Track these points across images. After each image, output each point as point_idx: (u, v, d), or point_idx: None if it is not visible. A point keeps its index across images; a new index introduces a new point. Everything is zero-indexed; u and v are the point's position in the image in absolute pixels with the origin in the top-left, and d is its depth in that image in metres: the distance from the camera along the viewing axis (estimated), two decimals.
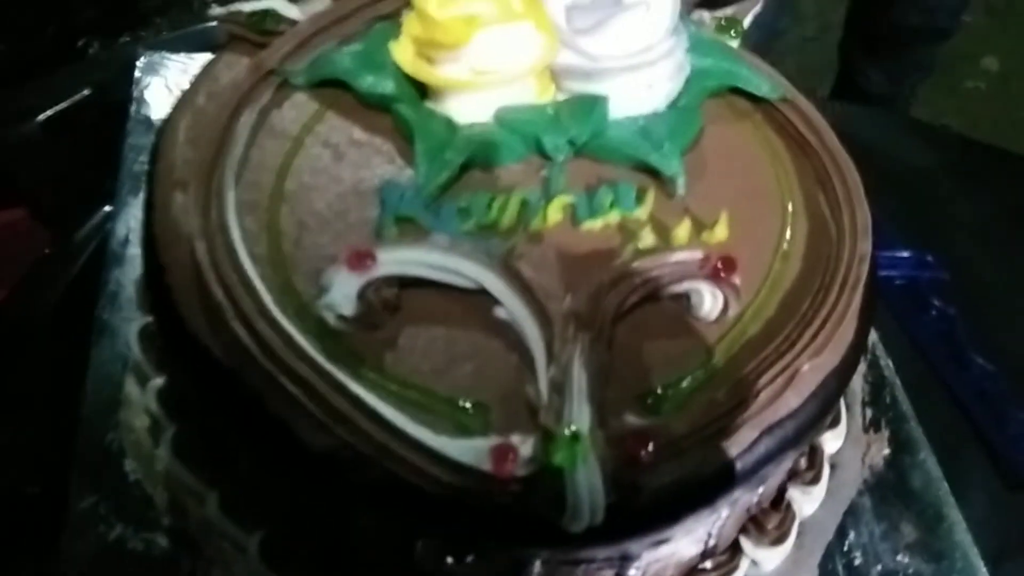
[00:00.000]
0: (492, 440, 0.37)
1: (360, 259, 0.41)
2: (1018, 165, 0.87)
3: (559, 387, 0.38)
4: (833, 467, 0.53)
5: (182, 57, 0.69)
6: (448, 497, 0.36)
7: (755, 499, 0.47)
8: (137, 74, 0.68)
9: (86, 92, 0.69)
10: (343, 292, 0.40)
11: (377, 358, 0.40)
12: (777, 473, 0.46)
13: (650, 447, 0.37)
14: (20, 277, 0.60)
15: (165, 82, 0.67)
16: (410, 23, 0.48)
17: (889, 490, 0.53)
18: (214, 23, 0.71)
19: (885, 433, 0.55)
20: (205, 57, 0.69)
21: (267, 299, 0.41)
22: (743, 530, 0.48)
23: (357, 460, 0.37)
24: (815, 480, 0.51)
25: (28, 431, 0.54)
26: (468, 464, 0.36)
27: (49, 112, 0.66)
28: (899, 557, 0.51)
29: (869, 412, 0.56)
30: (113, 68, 0.70)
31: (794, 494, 0.50)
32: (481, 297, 0.42)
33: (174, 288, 0.42)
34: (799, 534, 0.50)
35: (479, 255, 0.42)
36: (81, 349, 0.53)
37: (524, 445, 0.37)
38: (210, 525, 0.45)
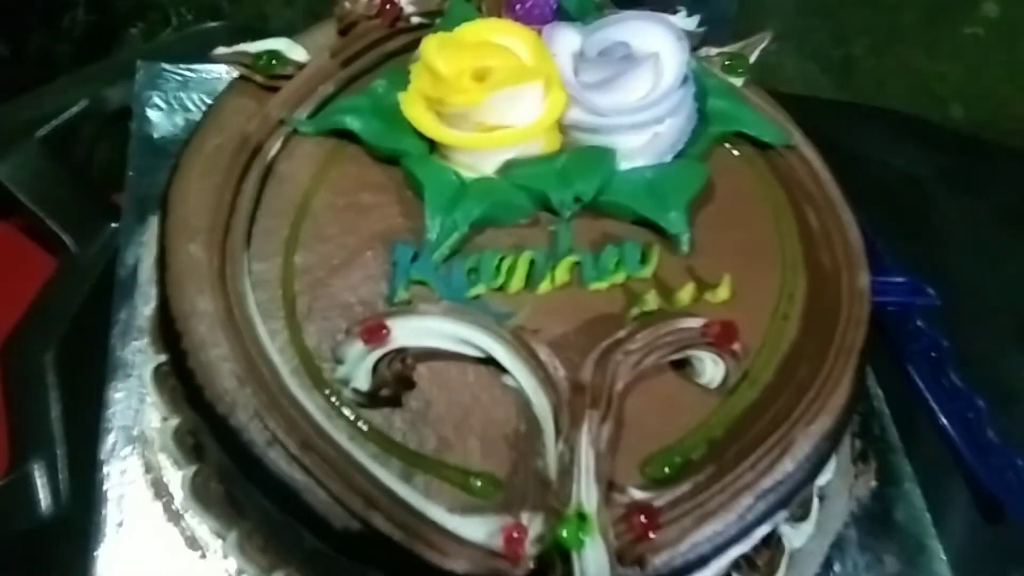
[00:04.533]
0: (503, 519, 0.39)
1: (374, 332, 0.42)
2: (1010, 163, 0.88)
3: (567, 466, 0.39)
4: (821, 499, 0.55)
5: (181, 69, 0.68)
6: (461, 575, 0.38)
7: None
8: (136, 88, 0.67)
9: (85, 103, 0.68)
10: (358, 366, 0.41)
11: (391, 431, 0.42)
12: None
13: (655, 523, 0.39)
14: (24, 305, 0.60)
15: (165, 97, 0.67)
16: (419, 76, 0.48)
17: (874, 522, 0.56)
18: (212, 24, 0.70)
19: (873, 464, 0.57)
20: (204, 68, 0.69)
21: (283, 371, 0.42)
22: (735, 566, 0.51)
23: (375, 537, 0.39)
24: (805, 516, 0.53)
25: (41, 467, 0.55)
26: (481, 543, 0.38)
27: (48, 128, 0.66)
28: None
29: (858, 443, 0.58)
30: (110, 79, 0.70)
31: (784, 529, 0.53)
32: (490, 365, 0.43)
33: (190, 353, 0.43)
34: (787, 567, 0.52)
35: (488, 324, 0.43)
36: (93, 382, 0.54)
37: (533, 523, 0.39)
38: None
